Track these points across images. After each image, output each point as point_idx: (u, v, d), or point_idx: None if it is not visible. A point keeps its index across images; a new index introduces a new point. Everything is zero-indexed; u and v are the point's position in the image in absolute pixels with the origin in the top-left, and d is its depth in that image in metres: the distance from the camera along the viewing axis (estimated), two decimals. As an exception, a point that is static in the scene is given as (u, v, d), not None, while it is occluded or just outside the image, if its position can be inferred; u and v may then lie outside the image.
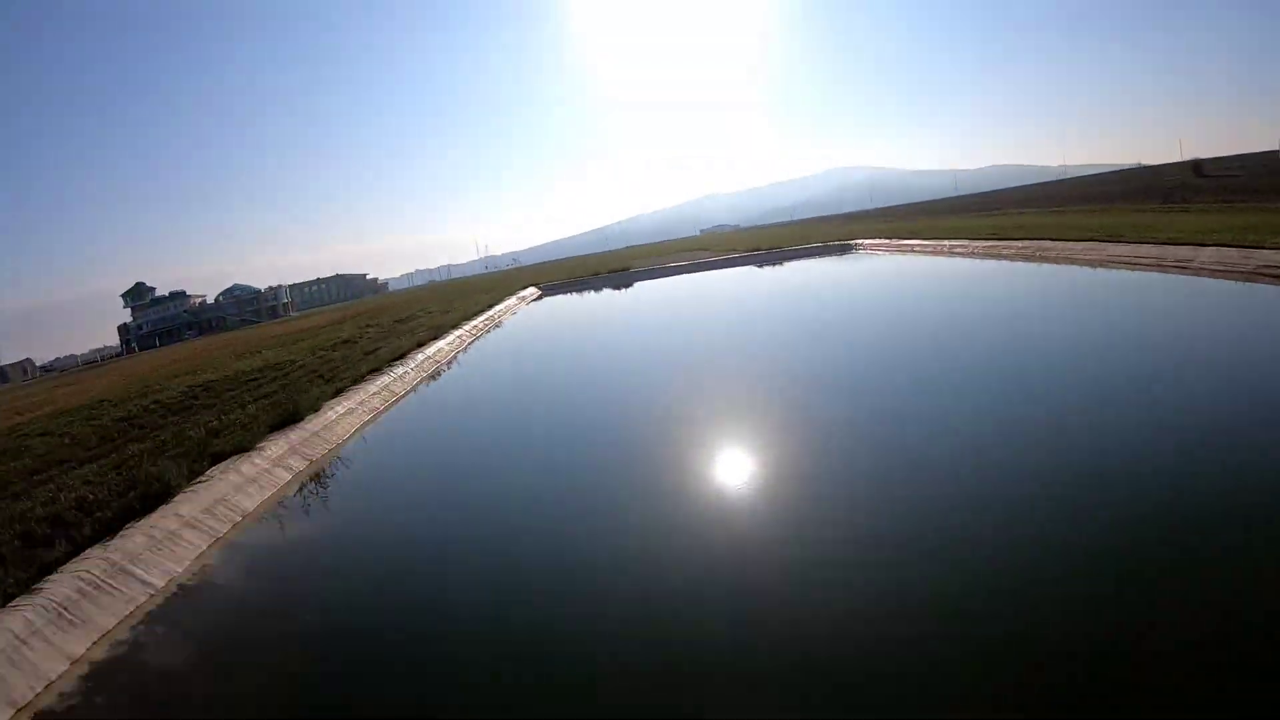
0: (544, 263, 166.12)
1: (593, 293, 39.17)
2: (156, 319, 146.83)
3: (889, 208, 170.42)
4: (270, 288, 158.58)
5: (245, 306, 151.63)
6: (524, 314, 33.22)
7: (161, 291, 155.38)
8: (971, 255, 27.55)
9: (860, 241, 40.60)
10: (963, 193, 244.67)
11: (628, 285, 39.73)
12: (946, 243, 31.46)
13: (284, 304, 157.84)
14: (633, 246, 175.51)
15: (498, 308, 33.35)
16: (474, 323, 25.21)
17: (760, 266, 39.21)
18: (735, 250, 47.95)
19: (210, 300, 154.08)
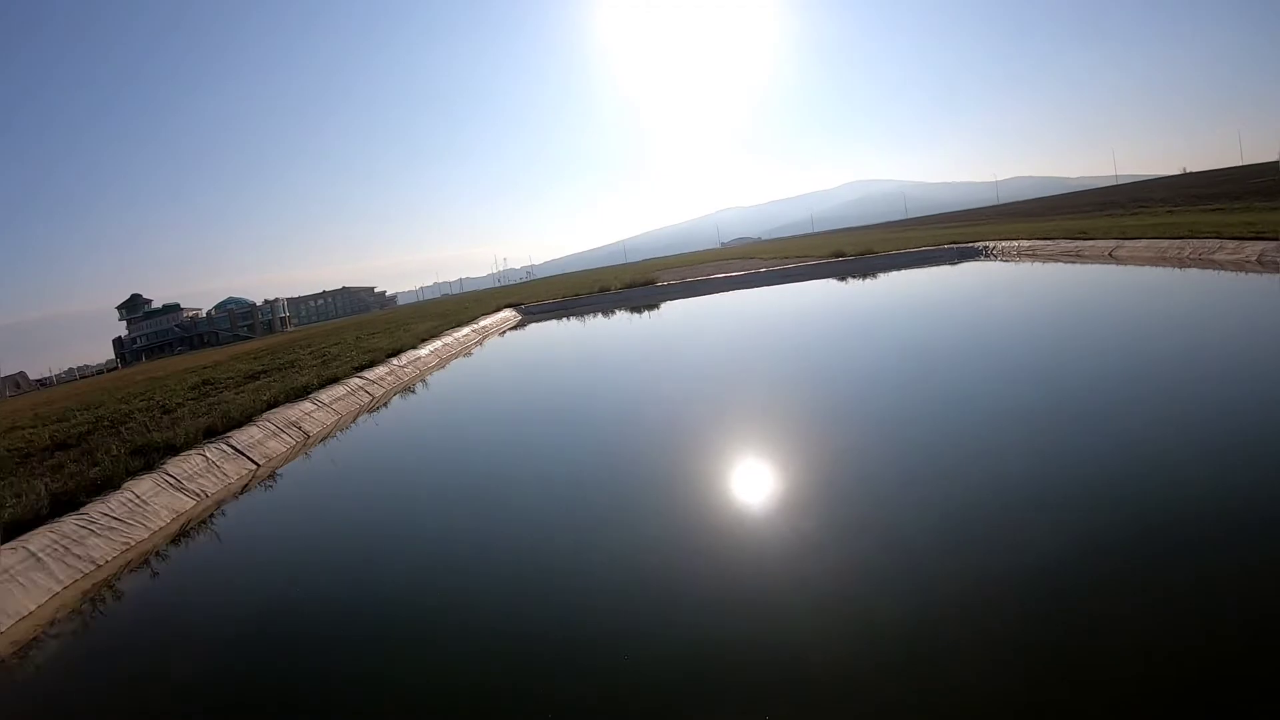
0: (556, 276, 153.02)
1: (599, 317, 25.64)
2: (150, 332, 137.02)
3: (925, 217, 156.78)
4: (267, 301, 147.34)
5: (239, 321, 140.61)
6: (471, 360, 19.54)
7: (158, 304, 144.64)
8: (1254, 266, 14.08)
9: (990, 244, 26.92)
10: (1002, 201, 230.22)
11: (652, 307, 26.15)
12: (1176, 244, 17.91)
13: (281, 318, 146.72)
14: (654, 259, 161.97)
15: (418, 352, 18.64)
16: (325, 396, 11.70)
17: (843, 279, 25.89)
18: (805, 257, 34.38)
19: (204, 313, 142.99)
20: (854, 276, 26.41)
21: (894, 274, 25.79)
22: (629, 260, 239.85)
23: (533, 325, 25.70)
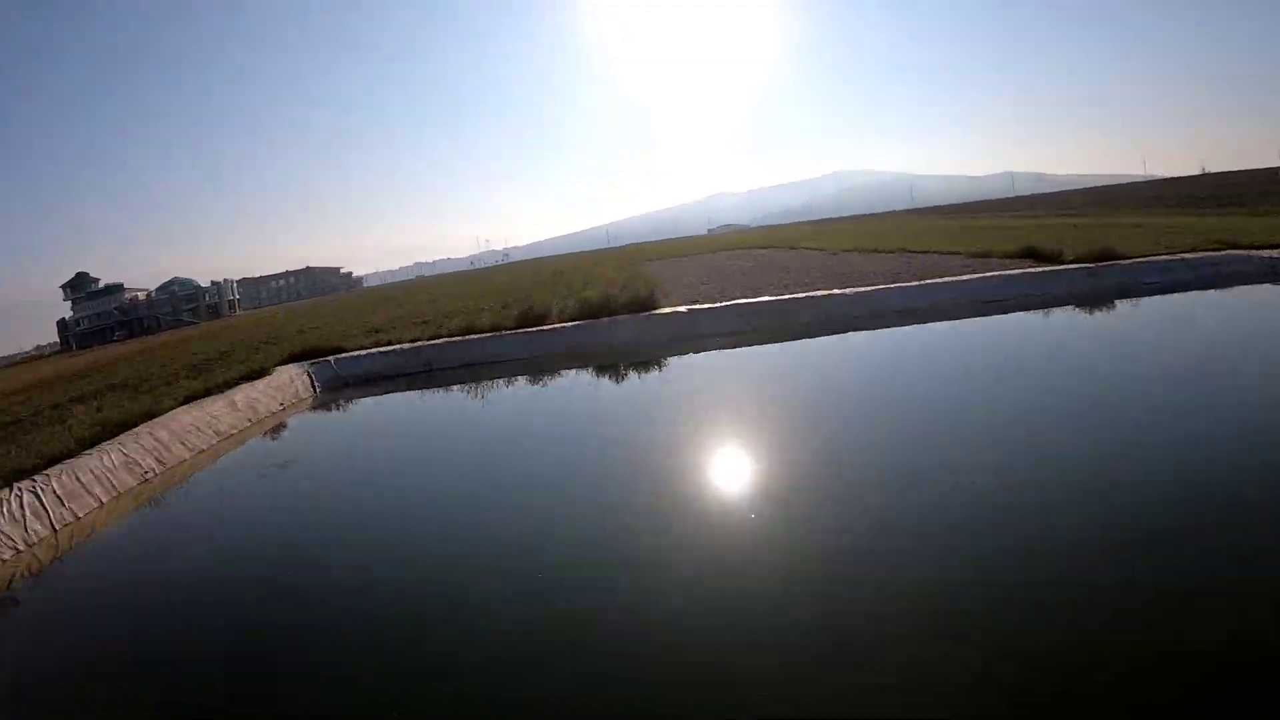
0: (523, 261, 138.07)
1: (518, 402, 9.84)
2: (92, 314, 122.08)
3: (942, 206, 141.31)
4: (214, 283, 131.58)
5: (182, 304, 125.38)
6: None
7: (106, 284, 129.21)
8: None
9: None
10: (989, 197, 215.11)
11: (646, 365, 10.47)
12: None
13: (230, 301, 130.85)
14: (644, 243, 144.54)
15: None
16: None
17: (1045, 310, 11.90)
18: (879, 252, 19.09)
19: (143, 296, 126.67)
20: (1079, 304, 11.56)
21: (1174, 302, 11.05)
22: (612, 245, 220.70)
23: (328, 427, 10.50)
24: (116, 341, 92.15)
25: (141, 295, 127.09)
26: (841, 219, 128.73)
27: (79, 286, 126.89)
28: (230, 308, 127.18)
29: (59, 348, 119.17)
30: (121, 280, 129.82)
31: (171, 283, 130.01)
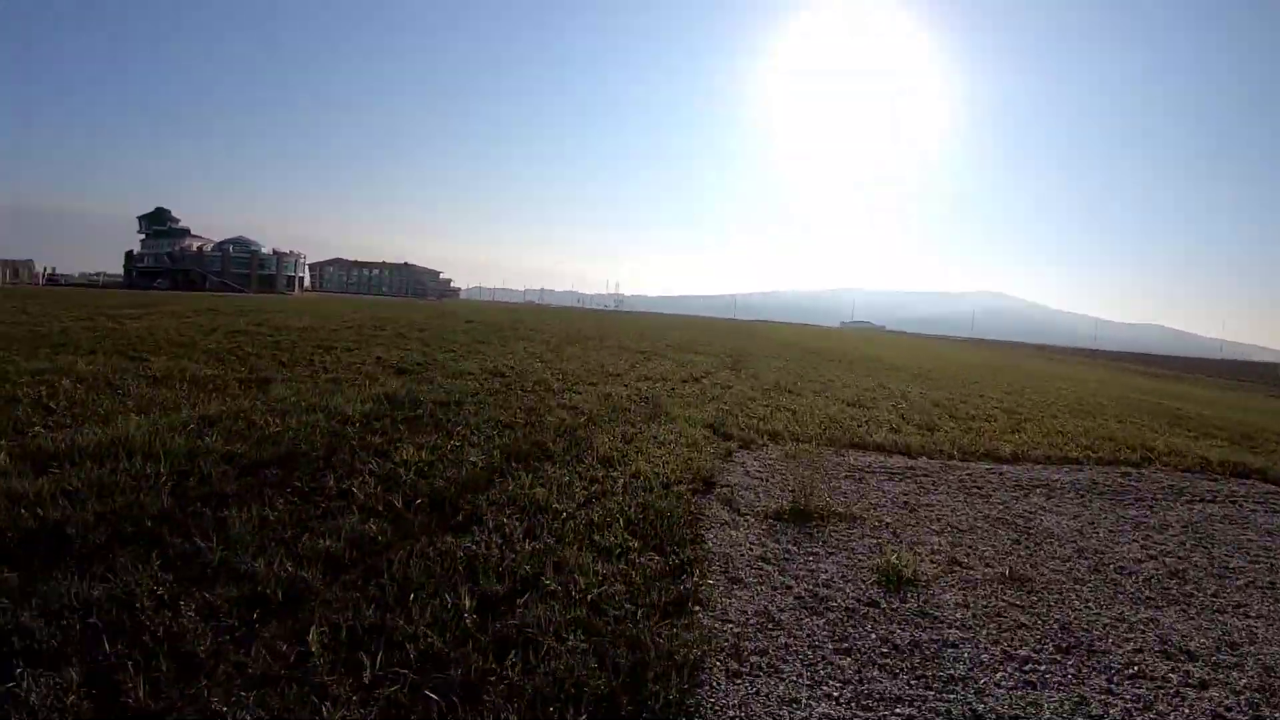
0: (637, 315, 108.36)
1: None
2: (153, 254, 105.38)
3: (1113, 353, 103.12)
4: (275, 251, 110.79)
5: (233, 266, 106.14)
6: None
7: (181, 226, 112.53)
8: None
9: None
10: (1136, 348, 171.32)
11: None
12: None
13: (290, 277, 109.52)
14: (776, 323, 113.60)
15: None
16: None
17: None
18: None
19: (195, 248, 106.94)
20: None
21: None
22: (741, 317, 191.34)
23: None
24: (155, 289, 78.71)
25: (195, 247, 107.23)
26: (1067, 349, 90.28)
27: (157, 220, 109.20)
28: (290, 284, 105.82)
29: (121, 280, 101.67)
30: (189, 226, 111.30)
31: (232, 240, 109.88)
